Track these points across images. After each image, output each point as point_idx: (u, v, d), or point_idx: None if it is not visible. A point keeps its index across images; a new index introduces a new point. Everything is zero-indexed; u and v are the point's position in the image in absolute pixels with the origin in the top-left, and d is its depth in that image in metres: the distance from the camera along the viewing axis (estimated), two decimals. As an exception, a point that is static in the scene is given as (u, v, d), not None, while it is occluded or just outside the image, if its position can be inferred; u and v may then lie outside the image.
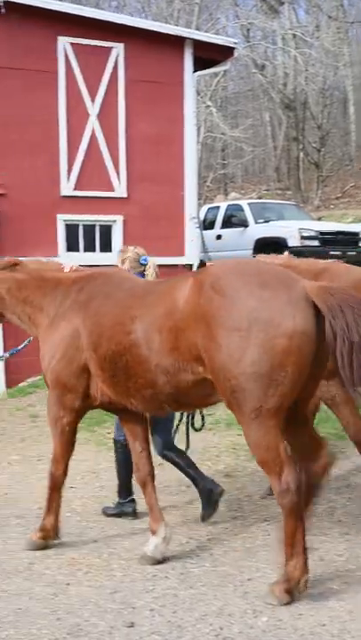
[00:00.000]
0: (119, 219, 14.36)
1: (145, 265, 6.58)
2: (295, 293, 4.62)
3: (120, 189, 14.36)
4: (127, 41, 14.32)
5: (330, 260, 7.36)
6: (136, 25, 14.60)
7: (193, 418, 6.58)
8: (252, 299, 4.61)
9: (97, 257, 13.93)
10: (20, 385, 12.98)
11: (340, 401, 6.26)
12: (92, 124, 14.14)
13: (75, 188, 14.02)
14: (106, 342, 5.29)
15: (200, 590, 5.10)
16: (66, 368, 5.54)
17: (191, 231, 14.97)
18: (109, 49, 14.24)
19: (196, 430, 6.55)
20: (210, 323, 4.71)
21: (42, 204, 13.69)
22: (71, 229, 14.15)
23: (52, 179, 13.86)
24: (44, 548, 5.87)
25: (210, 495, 6.37)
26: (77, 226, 14.21)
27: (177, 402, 5.25)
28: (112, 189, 14.31)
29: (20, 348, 6.98)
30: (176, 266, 13.95)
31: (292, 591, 4.77)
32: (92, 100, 14.13)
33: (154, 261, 6.59)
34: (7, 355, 7.07)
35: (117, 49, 14.28)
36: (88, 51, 14.04)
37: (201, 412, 6.49)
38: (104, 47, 14.20)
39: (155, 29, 14.72)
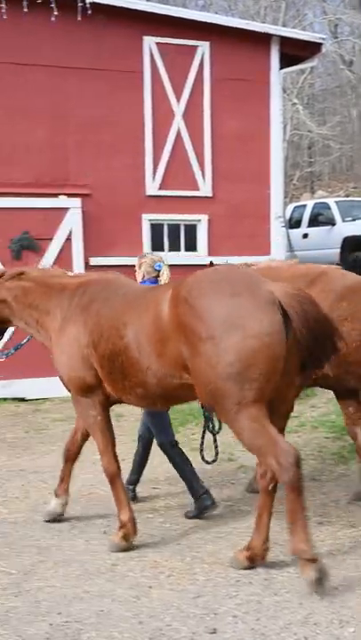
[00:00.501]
0: (204, 218, 14.29)
1: (159, 271, 6.99)
2: (262, 298, 4.98)
3: (205, 188, 14.29)
4: (213, 39, 14.24)
5: (328, 265, 7.62)
6: (222, 23, 14.49)
7: (212, 422, 6.58)
8: (222, 307, 4.99)
9: (181, 256, 13.89)
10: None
11: None
12: (178, 124, 14.11)
13: (160, 188, 14.03)
14: (104, 342, 5.68)
15: (284, 597, 4.98)
16: (78, 367, 5.87)
17: (277, 230, 14.79)
18: (195, 48, 14.19)
19: (214, 434, 6.58)
20: (187, 333, 5.09)
21: (127, 204, 13.74)
22: (156, 229, 14.16)
23: (137, 178, 13.89)
24: (128, 549, 5.84)
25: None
26: (162, 225, 14.21)
27: (167, 400, 5.71)
28: (197, 188, 14.26)
29: (23, 343, 7.13)
30: (262, 265, 13.80)
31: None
32: (178, 100, 14.10)
33: (167, 268, 7.02)
34: (12, 351, 7.20)
35: (203, 47, 14.21)
36: (173, 50, 14.02)
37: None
38: (189, 46, 14.16)
39: (241, 27, 14.58)
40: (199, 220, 14.31)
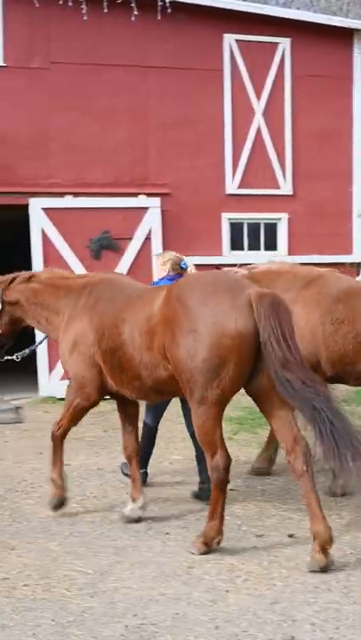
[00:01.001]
0: (284, 216, 14.14)
1: (185, 269, 7.27)
2: (239, 300, 5.47)
3: (286, 187, 14.14)
4: (294, 35, 14.08)
5: (326, 269, 7.77)
6: (303, 19, 14.32)
7: None
8: (204, 306, 5.51)
9: (261, 255, 13.76)
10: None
11: None
12: (258, 122, 13.99)
13: (239, 187, 13.94)
14: (106, 339, 6.20)
15: (365, 606, 4.84)
16: (80, 361, 6.39)
17: (359, 229, 14.52)
18: (275, 44, 14.06)
19: None
20: (172, 327, 5.61)
21: (206, 203, 13.70)
22: (235, 228, 14.07)
23: (217, 177, 13.83)
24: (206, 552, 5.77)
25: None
26: (242, 224, 14.11)
27: (159, 392, 6.13)
28: (277, 187, 14.11)
29: (37, 345, 7.67)
30: (343, 264, 13.58)
31: (210, 545, 5.72)
32: (258, 97, 13.98)
33: (192, 266, 7.43)
34: (26, 352, 7.54)
35: (284, 44, 14.06)
36: (254, 47, 13.91)
37: None
38: (270, 43, 14.03)
39: (322, 22, 14.39)
40: (279, 219, 14.17)
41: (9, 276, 7.12)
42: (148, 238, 13.32)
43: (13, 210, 13.28)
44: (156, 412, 7.52)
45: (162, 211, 13.39)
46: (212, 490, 5.71)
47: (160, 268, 7.40)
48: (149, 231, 13.35)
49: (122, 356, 6.06)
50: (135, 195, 13.38)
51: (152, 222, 13.35)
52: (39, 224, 13.00)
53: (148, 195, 13.44)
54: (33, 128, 13.03)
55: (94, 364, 6.33)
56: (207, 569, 5.48)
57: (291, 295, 6.94)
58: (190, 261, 7.48)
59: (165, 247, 13.29)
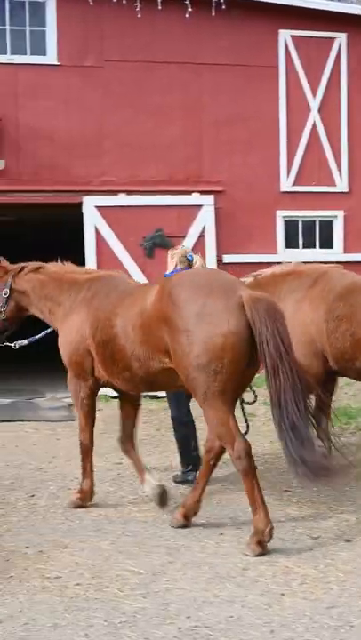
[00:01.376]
0: (340, 214, 13.91)
1: (191, 261, 7.51)
2: (232, 302, 5.66)
3: (341, 184, 13.92)
4: (350, 30, 13.87)
5: (331, 265, 8.01)
6: (359, 13, 14.05)
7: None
8: (198, 305, 5.70)
9: (316, 253, 13.57)
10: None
11: None
12: (313, 118, 13.80)
13: (294, 184, 13.76)
14: (99, 332, 6.50)
15: None
16: (76, 351, 6.73)
17: None
18: (332, 40, 13.85)
19: (248, 404, 6.54)
20: (169, 324, 5.82)
21: (261, 201, 13.55)
22: (290, 226, 13.89)
23: (272, 174, 13.68)
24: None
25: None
26: (297, 222, 13.93)
27: (149, 384, 6.40)
28: (333, 184, 13.90)
29: (37, 337, 7.81)
30: None
31: (263, 542, 5.65)
32: (313, 94, 13.80)
33: (199, 258, 7.67)
34: (25, 342, 7.74)
35: (340, 39, 13.85)
36: (309, 43, 13.73)
37: (251, 389, 6.46)
38: (326, 38, 13.83)
39: (379, 16, 14.13)
40: (335, 217, 13.94)
41: (19, 265, 7.45)
42: (201, 236, 13.23)
43: (67, 208, 13.30)
44: (177, 402, 7.66)
45: (215, 208, 13.29)
46: (245, 480, 5.73)
47: (169, 262, 7.69)
48: (203, 229, 13.26)
49: (114, 348, 6.35)
50: (189, 192, 13.30)
51: (205, 220, 13.26)
52: (92, 222, 13.00)
53: (202, 192, 13.35)
54: (86, 126, 13.04)
55: (89, 354, 6.67)
56: (262, 571, 5.36)
57: (299, 294, 7.29)
58: (197, 256, 7.75)
59: (219, 245, 13.23)
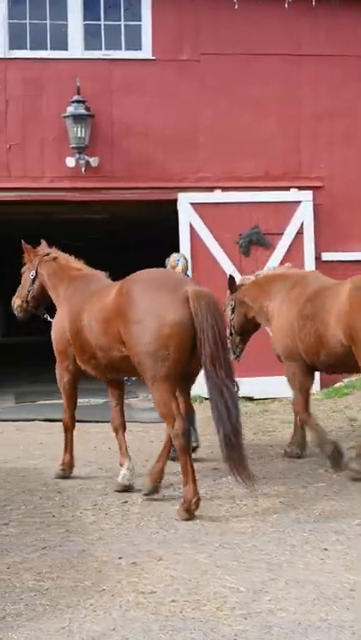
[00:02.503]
0: None
1: (177, 264, 8.55)
2: (178, 296, 6.40)
3: None
4: None
5: (311, 271, 9.43)
6: None
7: None
8: (148, 299, 6.48)
9: None
10: (336, 385, 12.44)
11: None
12: None
13: None
14: (73, 325, 7.36)
15: None
16: (61, 341, 7.62)
17: None
18: None
19: None
20: (124, 316, 6.60)
21: (361, 196, 13.03)
22: (393, 223, 13.30)
23: (373, 169, 13.13)
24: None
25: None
26: None
27: (114, 370, 7.18)
28: None
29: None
30: None
31: (190, 510, 6.40)
32: None
33: (184, 263, 8.63)
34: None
35: None
36: None
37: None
38: None
39: None
40: None
41: (47, 251, 8.36)
42: (299, 233, 12.82)
43: (161, 206, 13.07)
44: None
45: (314, 205, 12.85)
46: (180, 455, 6.48)
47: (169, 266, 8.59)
48: (301, 226, 12.84)
49: (82, 339, 7.21)
50: (287, 188, 12.90)
51: (304, 217, 12.83)
52: (187, 219, 12.73)
53: (300, 188, 12.93)
54: (182, 121, 12.78)
55: (69, 345, 7.50)
56: (373, 593, 4.93)
57: (281, 295, 8.35)
58: (184, 258, 8.73)
59: (317, 243, 12.80)
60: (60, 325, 7.66)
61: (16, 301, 8.58)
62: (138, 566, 5.41)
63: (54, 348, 7.79)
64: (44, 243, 8.52)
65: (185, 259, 8.78)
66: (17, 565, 5.45)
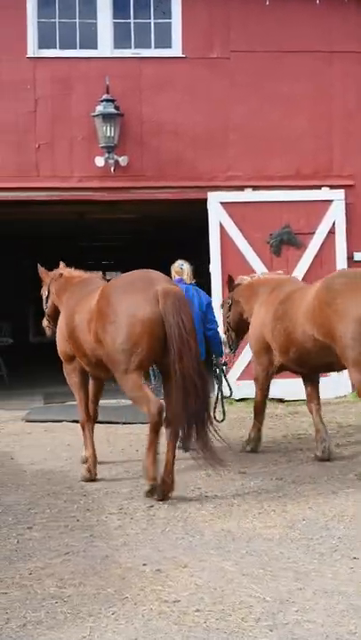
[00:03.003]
0: None
1: (182, 269, 8.98)
2: (149, 295, 6.92)
3: None
4: None
5: (289, 276, 9.96)
6: None
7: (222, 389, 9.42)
8: (122, 300, 7.03)
9: None
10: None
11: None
12: None
13: None
14: (69, 326, 7.82)
15: None
16: (62, 342, 8.04)
17: None
18: None
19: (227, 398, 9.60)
20: (102, 317, 7.13)
21: (395, 195, 12.81)
22: None
23: None
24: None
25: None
26: None
27: (102, 367, 7.47)
28: None
29: None
30: None
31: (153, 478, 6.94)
32: None
33: (187, 268, 8.99)
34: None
35: None
36: None
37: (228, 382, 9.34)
38: None
39: None
40: None
41: (56, 272, 8.86)
42: (331, 233, 12.63)
43: (191, 205, 12.96)
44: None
45: (346, 204, 12.66)
46: (149, 432, 6.94)
47: (172, 274, 8.95)
48: (333, 225, 12.66)
49: (76, 339, 7.67)
50: (318, 187, 12.71)
51: (336, 216, 12.64)
52: (217, 219, 12.60)
53: (332, 187, 12.73)
54: (212, 119, 12.66)
55: (68, 345, 7.91)
56: None
57: (262, 298, 8.94)
58: (187, 264, 9.03)
59: (349, 242, 12.63)
60: (61, 328, 8.08)
61: (44, 322, 9.23)
62: (162, 573, 5.29)
63: (58, 350, 8.20)
64: (62, 264, 8.97)
65: (188, 264, 9.06)
66: (39, 571, 5.37)
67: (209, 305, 8.94)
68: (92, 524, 6.38)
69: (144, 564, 5.45)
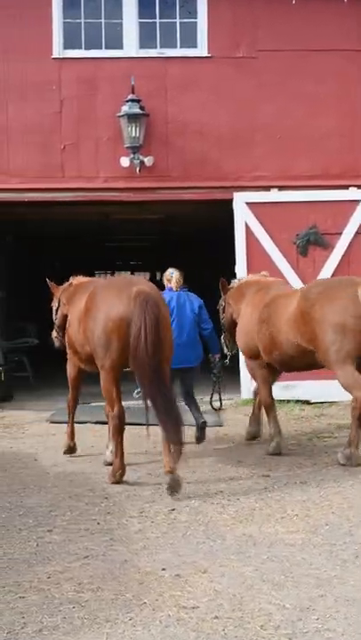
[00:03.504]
0: None
1: (172, 277, 9.48)
2: (125, 295, 7.48)
3: None
4: None
5: (276, 279, 10.16)
6: None
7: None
8: (102, 299, 7.74)
9: None
10: None
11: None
12: None
13: None
14: (68, 325, 8.75)
15: None
16: (68, 339, 8.82)
17: None
18: None
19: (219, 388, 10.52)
20: (87, 315, 7.90)
21: None
22: None
23: None
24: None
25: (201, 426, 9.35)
26: None
27: (91, 363, 8.13)
28: None
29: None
30: None
31: (115, 476, 7.67)
32: None
33: (177, 275, 9.46)
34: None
35: None
36: None
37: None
38: None
39: None
40: None
41: (67, 284, 9.40)
42: (358, 233, 12.49)
43: (217, 205, 12.88)
44: (188, 387, 9.47)
45: (373, 204, 12.50)
46: (113, 434, 7.78)
47: (165, 282, 9.61)
48: (360, 226, 12.49)
49: (70, 336, 8.56)
50: (345, 187, 12.57)
51: (363, 216, 12.48)
52: (243, 219, 12.51)
53: (359, 187, 12.57)
54: (238, 119, 12.56)
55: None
56: None
57: (248, 298, 9.43)
58: (177, 271, 9.49)
59: (377, 242, 12.44)
60: (67, 328, 8.86)
61: (53, 333, 9.59)
62: (181, 579, 5.23)
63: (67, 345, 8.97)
64: (49, 281, 9.80)
65: (178, 272, 9.48)
66: (57, 575, 5.32)
67: (201, 307, 9.38)
68: (113, 528, 6.33)
69: (163, 569, 5.40)
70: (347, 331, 8.08)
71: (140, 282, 7.98)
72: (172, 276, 9.45)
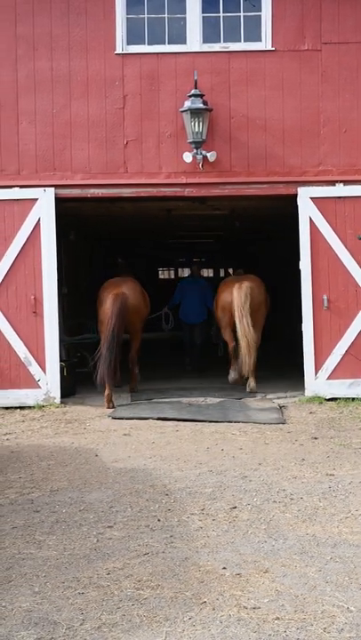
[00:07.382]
0: None
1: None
2: (115, 291, 12.21)
3: None
4: None
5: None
6: None
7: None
8: (103, 296, 12.48)
9: None
10: None
11: None
12: None
13: None
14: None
15: None
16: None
17: None
18: None
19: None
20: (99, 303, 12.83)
21: None
22: None
23: None
24: None
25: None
26: None
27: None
28: None
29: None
30: None
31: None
32: None
33: (195, 269, 15.69)
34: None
35: None
36: None
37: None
38: None
39: None
40: None
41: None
42: None
43: (281, 200, 12.73)
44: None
45: None
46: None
47: None
48: None
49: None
50: None
51: None
52: (307, 214, 12.32)
53: None
54: (302, 113, 12.36)
55: None
56: None
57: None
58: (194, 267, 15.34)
59: None
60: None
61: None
62: (242, 578, 5.14)
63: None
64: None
65: (195, 266, 14.39)
66: (117, 572, 5.28)
67: (206, 287, 15.78)
68: (173, 525, 6.26)
69: (224, 568, 5.31)
70: None
71: (123, 284, 12.75)
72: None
